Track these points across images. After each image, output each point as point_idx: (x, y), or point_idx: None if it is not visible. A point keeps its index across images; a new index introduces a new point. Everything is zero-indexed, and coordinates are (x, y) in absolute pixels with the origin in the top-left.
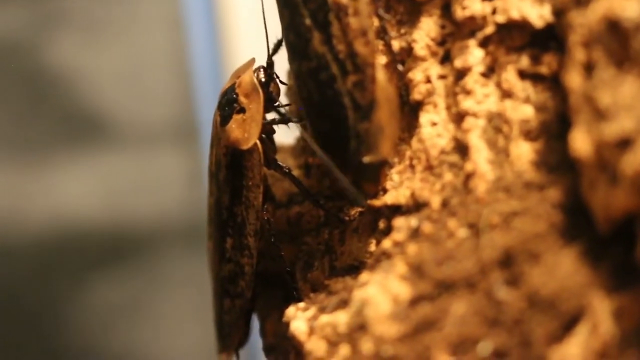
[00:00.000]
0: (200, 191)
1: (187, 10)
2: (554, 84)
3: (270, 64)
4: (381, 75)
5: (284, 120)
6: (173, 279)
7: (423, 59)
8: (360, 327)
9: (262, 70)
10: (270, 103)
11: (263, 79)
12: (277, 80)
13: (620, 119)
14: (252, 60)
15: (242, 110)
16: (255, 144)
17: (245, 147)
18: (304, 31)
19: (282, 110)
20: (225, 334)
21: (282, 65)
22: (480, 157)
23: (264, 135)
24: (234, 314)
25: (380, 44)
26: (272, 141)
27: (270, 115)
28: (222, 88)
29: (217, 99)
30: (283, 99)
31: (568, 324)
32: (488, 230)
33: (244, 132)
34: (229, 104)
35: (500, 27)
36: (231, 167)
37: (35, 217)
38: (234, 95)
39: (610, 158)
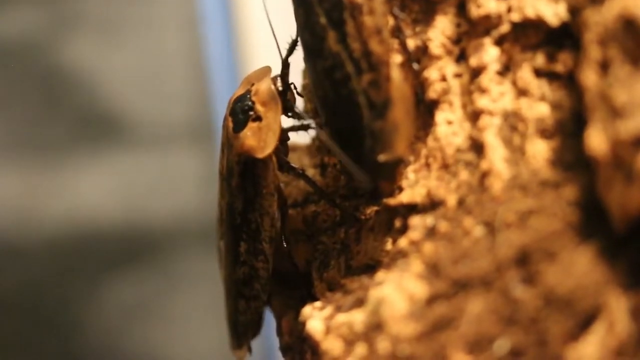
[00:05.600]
0: (217, 192)
1: (203, 10)
2: (569, 82)
3: (285, 65)
4: (396, 74)
5: (302, 127)
6: (189, 279)
7: (438, 58)
8: (376, 326)
9: (279, 79)
10: (285, 112)
11: (280, 88)
12: (294, 91)
13: (636, 117)
14: (268, 68)
15: (258, 118)
16: (270, 153)
17: (260, 155)
18: (319, 30)
19: (299, 115)
20: (240, 332)
21: (297, 64)
22: (496, 155)
23: (277, 142)
24: (249, 314)
25: (395, 43)
26: (284, 145)
27: (286, 121)
28: (234, 94)
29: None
30: (299, 95)
31: (584, 323)
32: (504, 229)
33: (259, 140)
34: (243, 111)
35: (515, 26)
36: (244, 175)
37: (51, 218)
38: (250, 103)
39: (626, 156)
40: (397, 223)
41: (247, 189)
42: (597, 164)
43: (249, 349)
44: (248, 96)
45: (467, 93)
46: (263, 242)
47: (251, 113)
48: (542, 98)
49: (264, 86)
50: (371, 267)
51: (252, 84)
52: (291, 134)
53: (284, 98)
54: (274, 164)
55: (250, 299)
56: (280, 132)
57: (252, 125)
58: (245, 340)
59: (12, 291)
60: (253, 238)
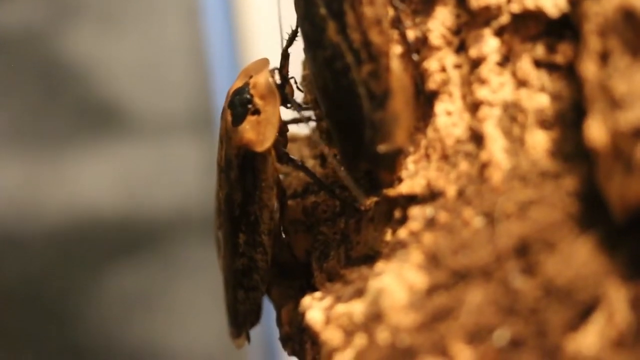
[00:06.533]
0: (215, 184)
1: (203, 0)
2: (569, 73)
3: (285, 55)
4: (396, 64)
5: (303, 119)
6: (189, 269)
7: (438, 48)
8: (376, 317)
9: (276, 71)
10: (284, 104)
11: (278, 81)
12: (292, 82)
13: (635, 108)
14: (266, 61)
15: (257, 111)
16: (269, 147)
17: (259, 149)
18: (319, 21)
19: (298, 106)
20: (240, 321)
21: (297, 55)
22: (496, 146)
23: (276, 134)
24: (248, 304)
25: (395, 34)
26: (284, 136)
27: (286, 113)
28: (232, 86)
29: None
30: (298, 90)
31: (584, 313)
32: (503, 219)
33: (258, 134)
34: (242, 104)
35: (515, 17)
36: (243, 168)
37: (51, 208)
38: (248, 96)
39: (626, 147)
40: (397, 214)
41: (246, 182)
42: (596, 155)
43: (248, 338)
44: (246, 89)
45: (467, 84)
46: (262, 234)
47: (250, 106)
48: (542, 89)
49: (262, 79)
50: (371, 258)
51: (251, 77)
52: (291, 126)
53: (282, 90)
54: (273, 157)
55: (249, 289)
56: (280, 124)
57: (251, 118)
58: (244, 329)
59: (12, 281)
60: (252, 230)
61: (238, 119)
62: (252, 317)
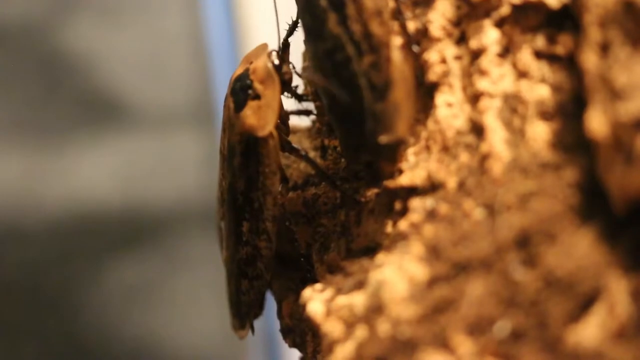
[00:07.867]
0: (217, 174)
1: None
2: (569, 64)
3: (285, 45)
4: (397, 56)
5: (305, 111)
6: (190, 261)
7: (438, 40)
8: (376, 309)
9: (274, 54)
10: (284, 87)
11: (276, 63)
12: (290, 64)
13: (636, 98)
14: (265, 46)
15: (257, 96)
16: (271, 131)
17: (261, 134)
18: (319, 12)
19: (297, 97)
20: (243, 313)
21: (296, 47)
22: (496, 137)
23: (278, 121)
24: (252, 294)
25: (395, 25)
26: (286, 125)
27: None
28: (234, 73)
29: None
30: (299, 81)
31: (585, 305)
32: (504, 211)
33: (259, 119)
34: (243, 90)
35: (515, 8)
36: (246, 154)
37: (52, 201)
38: (248, 82)
39: (626, 138)
40: (398, 205)
41: (249, 168)
42: (597, 146)
43: (252, 329)
44: (247, 75)
45: (467, 75)
46: (266, 221)
47: (250, 92)
48: (542, 80)
49: (261, 64)
50: (371, 250)
51: (251, 62)
52: (291, 117)
53: (280, 72)
54: (276, 141)
55: (253, 278)
56: (281, 110)
57: (251, 104)
58: (247, 320)
59: (13, 273)
60: (256, 217)
61: (240, 105)
62: (256, 308)
